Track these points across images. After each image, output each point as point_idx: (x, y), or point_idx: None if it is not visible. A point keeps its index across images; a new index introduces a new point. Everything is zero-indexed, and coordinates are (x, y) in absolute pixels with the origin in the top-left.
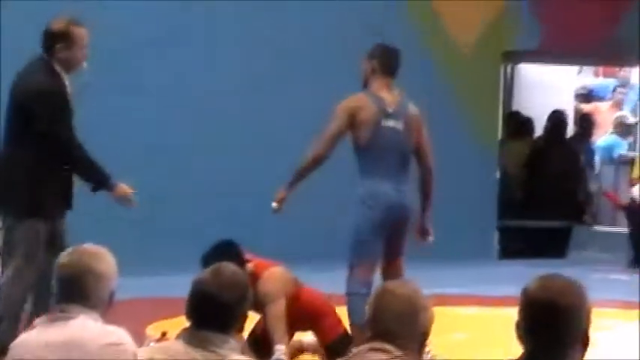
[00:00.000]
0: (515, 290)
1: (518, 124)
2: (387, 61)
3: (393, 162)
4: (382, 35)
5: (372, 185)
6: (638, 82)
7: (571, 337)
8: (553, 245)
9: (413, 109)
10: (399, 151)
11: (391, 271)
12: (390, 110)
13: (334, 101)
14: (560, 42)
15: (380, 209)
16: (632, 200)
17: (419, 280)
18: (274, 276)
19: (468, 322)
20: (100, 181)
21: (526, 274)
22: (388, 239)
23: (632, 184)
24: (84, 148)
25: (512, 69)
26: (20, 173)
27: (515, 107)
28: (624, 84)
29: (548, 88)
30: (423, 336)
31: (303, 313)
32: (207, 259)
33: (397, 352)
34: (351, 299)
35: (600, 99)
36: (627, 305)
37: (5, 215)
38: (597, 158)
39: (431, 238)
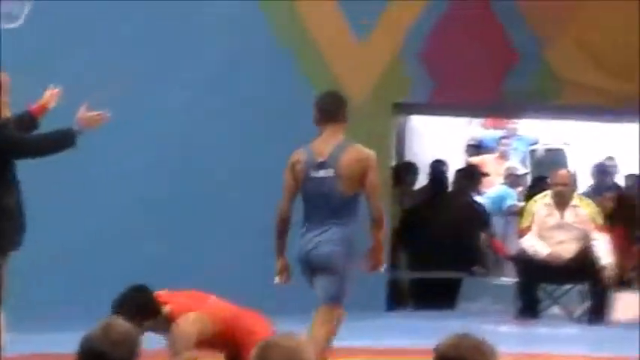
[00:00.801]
0: (403, 342)
1: (409, 175)
2: (321, 109)
3: (318, 210)
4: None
5: (301, 234)
6: (525, 134)
7: None
8: (443, 296)
9: (352, 154)
10: (326, 198)
11: (317, 314)
12: (320, 160)
13: None
14: (450, 94)
15: (299, 257)
16: (521, 250)
17: (305, 333)
18: (183, 324)
19: None
20: (69, 140)
21: (415, 325)
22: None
23: (521, 235)
24: (33, 136)
25: (404, 120)
26: None
27: (407, 158)
28: (511, 135)
29: (439, 140)
30: None
31: (238, 340)
32: (117, 305)
33: None
34: None
35: (490, 150)
36: (515, 357)
37: None
38: (486, 209)
39: (381, 268)
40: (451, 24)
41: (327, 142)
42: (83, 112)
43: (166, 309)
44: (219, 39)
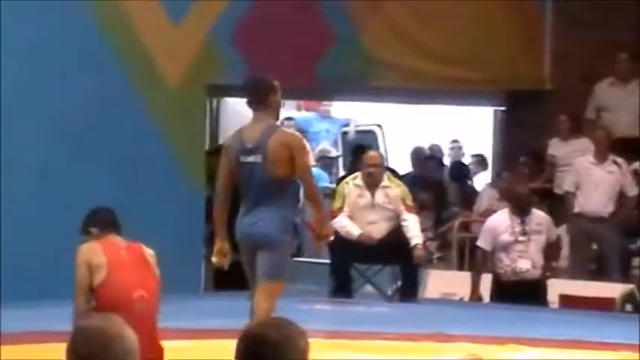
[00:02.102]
0: (220, 323)
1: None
2: (247, 94)
3: (252, 195)
4: None
5: (239, 218)
6: (338, 116)
7: None
8: None
9: (279, 138)
10: (257, 183)
11: (258, 289)
12: (249, 146)
13: None
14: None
15: (239, 238)
16: (335, 232)
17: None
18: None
19: (175, 354)
20: None
21: (231, 306)
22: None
23: (333, 216)
24: None
25: (218, 102)
26: None
27: (221, 141)
28: (325, 117)
29: None
30: None
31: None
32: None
33: None
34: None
35: (304, 132)
36: (330, 335)
37: None
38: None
39: (330, 238)
40: (265, 5)
41: (255, 128)
42: None
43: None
44: (34, 19)
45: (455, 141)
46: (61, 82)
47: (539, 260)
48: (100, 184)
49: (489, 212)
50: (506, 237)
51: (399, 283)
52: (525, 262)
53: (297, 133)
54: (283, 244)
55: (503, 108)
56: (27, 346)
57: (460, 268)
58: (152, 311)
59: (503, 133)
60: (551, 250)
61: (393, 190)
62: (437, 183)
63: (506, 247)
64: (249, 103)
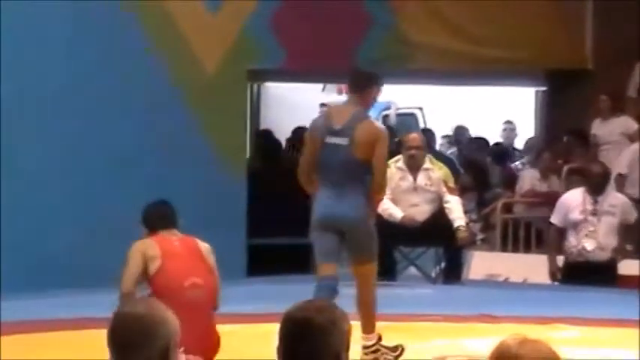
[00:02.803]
0: (264, 307)
1: (268, 142)
2: (349, 81)
3: (333, 176)
4: None
5: (317, 196)
6: (378, 101)
7: (325, 356)
8: (299, 262)
9: (368, 126)
10: (340, 165)
11: (356, 275)
12: (337, 128)
13: None
14: (303, 60)
15: (316, 217)
16: (378, 214)
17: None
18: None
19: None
20: None
21: (274, 291)
22: (346, 246)
23: None
24: None
25: (259, 87)
26: None
27: (262, 126)
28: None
29: (294, 106)
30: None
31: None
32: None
33: None
34: (315, 292)
35: None
36: (378, 318)
37: None
38: None
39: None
40: None
41: (345, 111)
42: None
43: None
44: (67, 10)
45: (508, 122)
46: (99, 70)
47: (609, 242)
48: (141, 171)
49: (532, 193)
50: (576, 215)
51: (443, 264)
52: (591, 243)
53: (383, 127)
54: (371, 227)
55: (544, 88)
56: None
57: (503, 249)
58: (206, 299)
59: (544, 114)
60: (626, 233)
61: (434, 173)
62: (479, 164)
63: (575, 226)
64: (349, 89)
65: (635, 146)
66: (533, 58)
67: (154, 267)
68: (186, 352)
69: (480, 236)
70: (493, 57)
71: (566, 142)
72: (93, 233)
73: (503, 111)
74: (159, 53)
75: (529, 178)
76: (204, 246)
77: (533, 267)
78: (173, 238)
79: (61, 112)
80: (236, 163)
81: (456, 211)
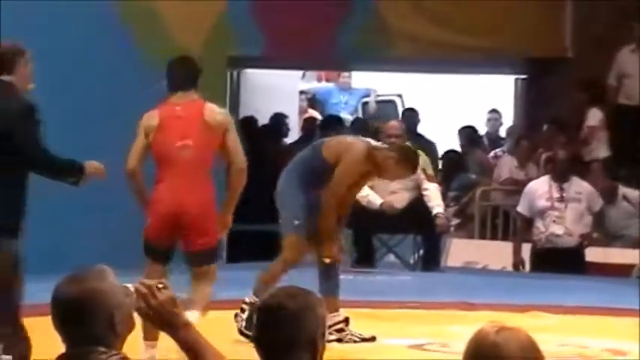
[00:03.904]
0: (243, 293)
1: (249, 129)
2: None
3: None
4: None
5: None
6: (357, 86)
7: (300, 342)
8: (275, 248)
9: None
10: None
11: None
12: None
13: None
14: (283, 47)
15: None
16: (357, 202)
17: None
18: None
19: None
20: (73, 174)
21: (253, 277)
22: None
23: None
24: (46, 151)
25: (238, 74)
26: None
27: (242, 113)
28: (344, 90)
29: (273, 93)
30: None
31: None
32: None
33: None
34: None
35: (324, 103)
36: (353, 304)
37: None
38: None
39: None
40: None
41: None
42: (93, 165)
43: None
44: None
45: (494, 110)
46: (76, 57)
47: (576, 228)
48: (116, 159)
49: (510, 181)
50: (542, 202)
51: (421, 252)
52: (559, 228)
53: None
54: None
55: (524, 76)
56: None
57: (482, 236)
58: (196, 158)
59: (523, 102)
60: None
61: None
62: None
63: (542, 213)
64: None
65: None
66: (512, 46)
67: (152, 136)
68: (183, 205)
69: (454, 222)
70: (473, 45)
71: (546, 130)
72: (87, 221)
73: (483, 99)
74: (137, 39)
75: (507, 166)
76: (210, 110)
77: (511, 254)
78: (180, 102)
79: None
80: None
81: (435, 198)
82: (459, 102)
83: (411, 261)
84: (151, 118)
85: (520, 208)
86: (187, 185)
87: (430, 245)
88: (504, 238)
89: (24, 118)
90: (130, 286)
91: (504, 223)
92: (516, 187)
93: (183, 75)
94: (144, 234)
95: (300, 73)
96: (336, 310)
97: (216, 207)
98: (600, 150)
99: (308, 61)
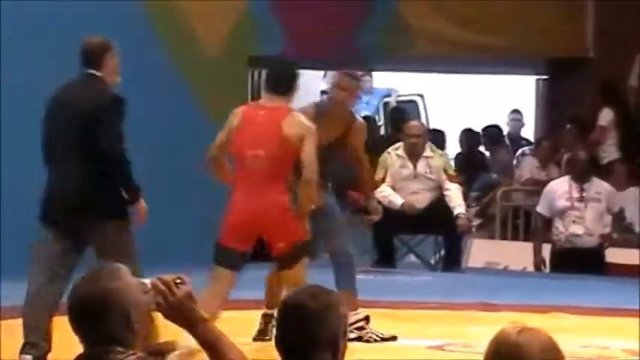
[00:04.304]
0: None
1: None
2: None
3: None
4: None
5: None
6: (379, 86)
7: (322, 342)
8: None
9: None
10: None
11: None
12: None
13: None
14: (304, 46)
15: None
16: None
17: None
18: None
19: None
20: (134, 194)
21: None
22: None
23: (376, 186)
24: (124, 150)
25: (259, 74)
26: (94, 179)
27: None
28: (365, 92)
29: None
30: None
31: None
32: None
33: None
34: None
35: None
36: (374, 304)
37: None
38: None
39: None
40: None
41: None
42: (143, 207)
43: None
44: None
45: (515, 111)
46: None
47: (596, 229)
48: (141, 157)
49: (531, 181)
50: (562, 202)
51: (443, 252)
52: (578, 228)
53: None
54: None
55: (545, 76)
56: None
57: (503, 237)
58: (266, 170)
59: (545, 102)
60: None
61: (435, 160)
62: (477, 151)
63: (562, 213)
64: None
65: None
66: (534, 46)
67: (231, 135)
68: (256, 213)
69: (476, 222)
70: (494, 44)
71: (567, 131)
72: None
73: (504, 99)
74: (159, 38)
75: (529, 166)
76: (290, 122)
77: (532, 255)
78: (266, 106)
79: None
80: None
81: (456, 198)
82: (480, 102)
83: (432, 261)
84: (235, 116)
85: (540, 208)
86: (259, 193)
87: (451, 245)
88: (525, 239)
89: (110, 110)
90: (147, 283)
91: (525, 223)
92: (537, 188)
93: (279, 79)
94: (217, 241)
95: (321, 72)
96: (356, 308)
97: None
98: (610, 151)
99: (329, 61)
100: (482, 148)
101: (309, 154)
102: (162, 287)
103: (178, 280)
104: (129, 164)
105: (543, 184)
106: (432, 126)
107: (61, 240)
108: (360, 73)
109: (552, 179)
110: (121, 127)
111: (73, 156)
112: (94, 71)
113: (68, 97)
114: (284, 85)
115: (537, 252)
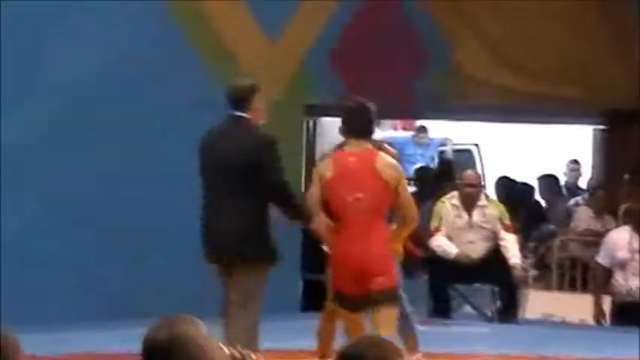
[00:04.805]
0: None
1: None
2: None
3: None
4: None
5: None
6: (434, 135)
7: None
8: None
9: None
10: None
11: None
12: None
13: None
14: (358, 95)
15: None
16: (431, 251)
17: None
18: None
19: None
20: (306, 216)
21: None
22: None
23: (430, 236)
24: (289, 185)
25: (315, 122)
26: (257, 223)
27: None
28: (420, 145)
29: None
30: None
31: None
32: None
33: None
34: None
35: (399, 154)
36: (430, 356)
37: (241, 262)
38: None
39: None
40: (360, 25)
41: None
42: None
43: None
44: (125, 33)
45: (574, 161)
46: (157, 98)
47: None
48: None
49: (588, 232)
50: (622, 253)
51: (499, 303)
52: (638, 281)
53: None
54: None
55: (602, 126)
56: None
57: (560, 288)
58: (370, 210)
59: (602, 152)
60: None
61: (490, 210)
62: (534, 202)
63: (622, 265)
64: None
65: None
66: (592, 96)
67: (326, 189)
68: (362, 255)
69: (533, 273)
70: (550, 94)
71: (625, 181)
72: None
73: (561, 148)
74: (217, 83)
75: (584, 217)
76: (382, 164)
77: (589, 307)
78: (355, 151)
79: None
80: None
81: (512, 249)
82: (537, 151)
83: (488, 312)
84: (326, 169)
85: (600, 259)
86: (363, 234)
87: (507, 296)
88: (583, 290)
89: (268, 152)
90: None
91: (583, 274)
92: (595, 239)
93: (360, 122)
94: (333, 288)
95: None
96: (416, 351)
97: None
98: None
99: (384, 110)
100: (538, 198)
101: (407, 196)
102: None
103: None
104: (294, 194)
105: (600, 234)
106: (487, 175)
107: (220, 277)
108: (416, 128)
109: (608, 230)
110: (281, 162)
111: (234, 198)
112: (242, 113)
113: (225, 142)
114: (366, 127)
115: (597, 304)
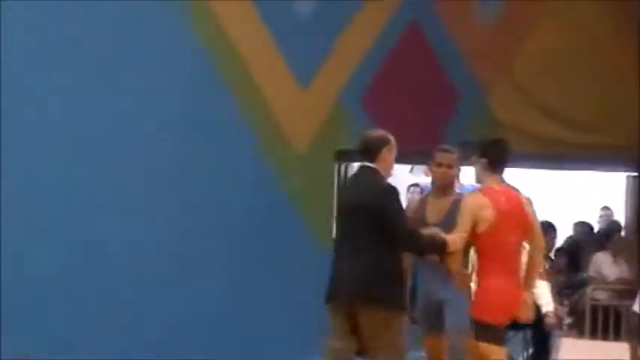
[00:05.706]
0: None
1: None
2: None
3: None
4: None
5: None
6: (467, 181)
7: None
8: None
9: None
10: None
11: None
12: None
13: None
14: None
15: None
16: None
17: None
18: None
19: None
20: (434, 250)
21: None
22: None
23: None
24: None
25: (346, 166)
26: (388, 270)
27: None
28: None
29: None
30: None
31: None
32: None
33: None
34: None
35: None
36: None
37: (374, 308)
38: None
39: None
40: (392, 70)
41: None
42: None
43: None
44: (162, 80)
45: (606, 208)
46: (186, 145)
47: None
48: (232, 247)
49: (621, 280)
50: None
51: (531, 350)
52: None
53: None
54: None
55: (635, 173)
56: None
57: (593, 336)
58: (518, 249)
59: (634, 198)
60: None
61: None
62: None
63: None
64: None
65: None
66: (625, 142)
67: (483, 227)
68: (513, 295)
69: (567, 320)
70: (585, 141)
71: None
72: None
73: (594, 195)
74: (249, 131)
75: (607, 264)
76: (527, 203)
77: (623, 355)
78: (500, 189)
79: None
80: (324, 243)
81: (545, 296)
82: (569, 198)
83: (521, 358)
84: (484, 209)
85: (636, 307)
86: (513, 275)
87: (539, 343)
88: (615, 338)
89: (392, 201)
90: None
91: (615, 322)
92: (628, 287)
93: (504, 159)
94: (486, 319)
95: (408, 166)
96: None
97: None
98: None
99: (417, 155)
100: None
101: (538, 225)
102: None
103: None
104: (419, 237)
105: (634, 283)
106: None
107: (345, 322)
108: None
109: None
110: (404, 213)
111: (362, 245)
112: (371, 164)
113: (353, 193)
114: (506, 164)
115: (634, 353)
